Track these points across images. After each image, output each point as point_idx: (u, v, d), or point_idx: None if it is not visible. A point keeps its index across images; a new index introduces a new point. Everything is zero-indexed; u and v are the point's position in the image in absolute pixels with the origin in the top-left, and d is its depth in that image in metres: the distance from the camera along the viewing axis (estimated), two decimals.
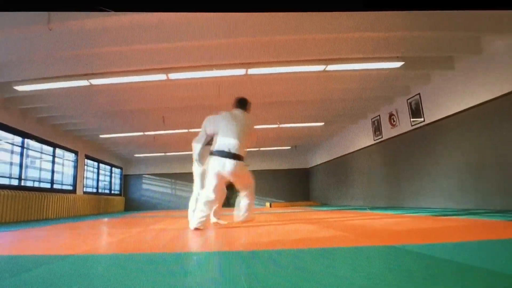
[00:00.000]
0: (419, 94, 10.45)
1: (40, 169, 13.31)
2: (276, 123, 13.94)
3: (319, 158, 21.20)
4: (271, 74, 8.86)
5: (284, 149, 21.51)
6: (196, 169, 6.45)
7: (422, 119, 10.36)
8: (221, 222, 6.28)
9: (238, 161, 5.51)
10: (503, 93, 7.51)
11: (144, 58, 7.86)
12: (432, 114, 9.96)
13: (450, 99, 9.16)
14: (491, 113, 7.88)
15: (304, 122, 14.48)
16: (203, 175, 6.05)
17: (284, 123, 14.04)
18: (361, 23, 6.93)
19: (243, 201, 6.04)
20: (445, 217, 6.55)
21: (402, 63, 8.51)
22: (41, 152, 13.43)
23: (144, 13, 6.18)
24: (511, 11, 6.73)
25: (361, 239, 3.68)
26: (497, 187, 7.80)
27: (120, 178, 23.13)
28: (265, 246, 3.47)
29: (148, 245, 3.92)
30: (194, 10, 3.27)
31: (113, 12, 3.36)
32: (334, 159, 18.46)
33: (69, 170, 15.81)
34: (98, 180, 19.34)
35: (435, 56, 8.83)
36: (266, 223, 6.56)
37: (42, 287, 2.06)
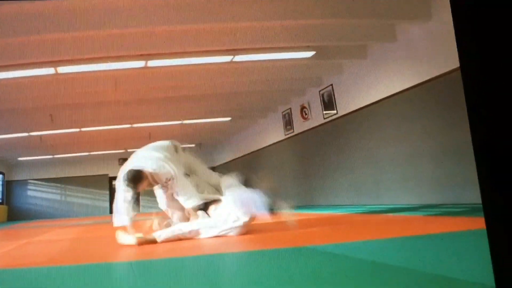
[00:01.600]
0: (331, 85, 10.56)
1: None
2: (179, 120, 13.83)
3: (226, 155, 21.16)
4: (173, 66, 8.69)
5: (188, 147, 21.40)
6: None
7: (335, 111, 10.49)
8: None
9: None
10: (419, 82, 7.70)
11: (29, 50, 7.44)
12: (345, 105, 10.08)
13: (363, 89, 9.32)
14: (405, 102, 8.07)
15: (210, 118, 14.38)
16: None
17: (187, 119, 13.91)
18: (269, 10, 6.94)
19: None
20: (359, 214, 6.76)
21: (314, 52, 8.52)
22: None
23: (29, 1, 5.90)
24: None
25: (271, 241, 3.71)
26: (413, 181, 8.01)
27: (2, 185, 21.92)
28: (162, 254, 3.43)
29: (32, 258, 3.77)
30: None
31: None
32: (242, 156, 18.46)
33: None
34: None
35: (347, 45, 8.94)
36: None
37: None
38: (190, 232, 4.56)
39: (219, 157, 22.51)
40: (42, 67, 8.02)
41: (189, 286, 2.27)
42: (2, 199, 21.68)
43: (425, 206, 7.29)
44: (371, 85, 9.07)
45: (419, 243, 3.24)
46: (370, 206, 8.49)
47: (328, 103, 10.73)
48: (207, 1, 6.65)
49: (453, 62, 6.92)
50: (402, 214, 6.04)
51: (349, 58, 9.41)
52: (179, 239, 4.47)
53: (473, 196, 6.69)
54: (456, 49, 2.28)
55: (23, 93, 9.65)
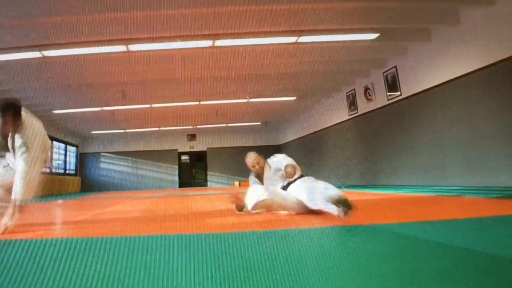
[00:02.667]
0: (395, 66, 10.58)
1: None
2: (245, 98, 13.94)
3: (291, 134, 21.30)
4: (240, 46, 8.83)
5: (254, 125, 21.48)
6: None
7: (399, 93, 10.50)
8: None
9: None
10: (481, 66, 7.65)
11: (103, 28, 7.72)
12: (409, 87, 10.11)
13: (427, 72, 9.30)
14: (470, 86, 8.03)
15: (275, 97, 14.51)
16: None
17: (253, 98, 14.03)
18: None
19: None
20: (425, 194, 6.68)
21: (378, 34, 8.60)
22: None
23: None
24: None
25: (336, 219, 3.74)
26: (478, 163, 7.96)
27: (76, 157, 22.68)
28: (230, 228, 3.52)
29: (103, 229, 3.92)
30: None
31: None
32: (307, 135, 18.57)
33: None
34: (51, 159, 19.00)
35: (411, 28, 8.94)
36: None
37: None
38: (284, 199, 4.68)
39: (283, 135, 22.57)
40: (114, 44, 8.28)
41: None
42: (76, 170, 22.42)
43: (490, 188, 7.20)
44: (435, 68, 9.05)
45: (485, 224, 3.24)
46: (435, 187, 8.39)
47: (392, 84, 10.73)
48: None
49: None
50: (468, 196, 5.94)
51: (413, 41, 9.41)
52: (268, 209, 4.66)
53: None
54: None
55: (97, 68, 10.05)
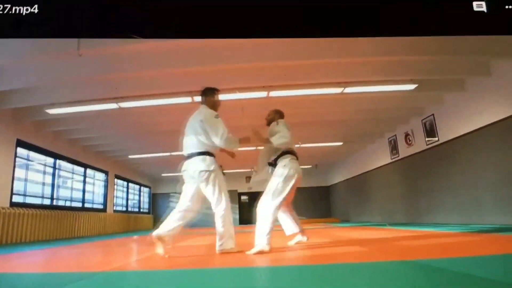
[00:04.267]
0: (433, 114, 10.48)
1: (72, 189, 13.46)
2: (297, 143, 13.92)
3: (338, 176, 21.16)
4: (291, 96, 8.89)
5: (305, 168, 21.44)
6: None
7: (437, 138, 10.38)
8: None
9: (190, 160, 4.83)
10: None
11: (171, 82, 7.96)
12: (446, 133, 9.97)
13: (462, 119, 9.19)
14: (502, 131, 7.89)
15: (324, 142, 14.52)
16: None
17: (305, 143, 14.01)
18: (376, 47, 6.96)
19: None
20: (463, 231, 6.46)
21: (416, 85, 8.53)
22: (73, 172, 13.58)
23: (171, 39, 6.26)
24: None
25: (382, 254, 3.64)
26: (511, 202, 7.76)
27: (149, 197, 23.20)
28: (290, 261, 3.46)
29: (175, 261, 3.93)
30: (220, 37, 3.33)
31: (141, 39, 3.42)
32: (353, 177, 18.42)
33: (99, 190, 15.96)
34: (127, 199, 19.45)
35: (447, 79, 8.86)
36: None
37: None
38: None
39: (332, 177, 22.44)
40: (181, 96, 8.45)
41: None
42: (149, 209, 22.82)
43: None
44: (469, 115, 8.95)
45: None
46: (472, 226, 8.13)
47: (430, 130, 10.58)
48: (326, 40, 6.77)
49: None
50: (502, 234, 5.71)
51: (448, 90, 9.31)
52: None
53: None
54: None
55: (166, 118, 10.26)
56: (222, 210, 4.68)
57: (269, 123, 5.69)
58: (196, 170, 4.75)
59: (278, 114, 5.80)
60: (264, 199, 4.81)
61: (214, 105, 5.13)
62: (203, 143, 4.76)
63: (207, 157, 4.75)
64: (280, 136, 5.13)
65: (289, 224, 5.44)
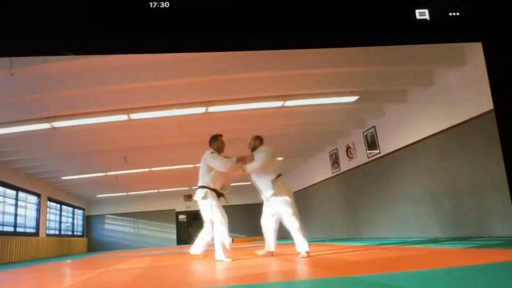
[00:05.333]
0: (374, 126, 10.54)
1: (4, 213, 12.87)
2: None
3: None
4: (231, 111, 8.85)
5: (243, 185, 21.40)
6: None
7: (378, 151, 10.45)
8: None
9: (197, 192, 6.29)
10: (454, 124, 7.64)
11: (106, 99, 7.73)
12: (387, 145, 10.05)
13: (404, 130, 9.26)
14: (443, 143, 7.98)
15: None
16: None
17: None
18: (316, 59, 6.98)
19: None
20: (404, 246, 6.58)
21: (357, 97, 8.56)
22: (4, 196, 13.01)
23: (105, 55, 6.09)
24: (460, 44, 6.95)
25: (322, 270, 3.62)
26: (453, 215, 7.87)
27: (83, 219, 22.34)
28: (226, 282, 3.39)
29: (110, 285, 3.80)
30: (153, 52, 3.22)
31: (74, 56, 3.28)
32: (294, 193, 18.26)
33: (32, 213, 15.33)
34: (60, 222, 18.77)
35: (388, 90, 8.94)
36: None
37: None
38: None
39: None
40: (116, 114, 8.27)
41: None
42: (83, 232, 22.16)
43: (462, 238, 7.19)
44: (411, 127, 9.03)
45: (464, 273, 3.07)
46: (413, 239, 8.30)
47: (372, 143, 10.69)
48: (264, 53, 6.77)
49: (487, 104, 6.81)
50: (441, 247, 5.85)
51: (390, 102, 9.40)
52: None
53: (504, 229, 6.53)
54: (490, 92, 2.21)
55: (100, 137, 9.99)
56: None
57: (252, 150, 6.75)
58: (197, 199, 6.33)
59: (258, 140, 6.86)
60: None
61: (219, 148, 6.67)
62: (202, 179, 6.39)
63: (203, 190, 6.26)
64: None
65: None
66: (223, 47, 3.26)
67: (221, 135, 6.82)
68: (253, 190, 20.52)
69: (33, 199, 15.48)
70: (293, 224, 6.13)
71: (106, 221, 22.82)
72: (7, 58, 5.88)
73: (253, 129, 10.43)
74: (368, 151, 11.01)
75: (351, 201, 12.46)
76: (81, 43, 3.09)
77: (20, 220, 14.06)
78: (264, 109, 8.96)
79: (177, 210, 22.65)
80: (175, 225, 22.69)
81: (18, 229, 13.82)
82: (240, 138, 11.24)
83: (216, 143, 6.71)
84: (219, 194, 6.57)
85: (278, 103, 8.49)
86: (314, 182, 15.49)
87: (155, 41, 3.09)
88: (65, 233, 19.48)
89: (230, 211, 20.09)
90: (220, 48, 3.29)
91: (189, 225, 23.34)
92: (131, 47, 3.22)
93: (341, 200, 13.24)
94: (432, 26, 3.05)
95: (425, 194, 8.69)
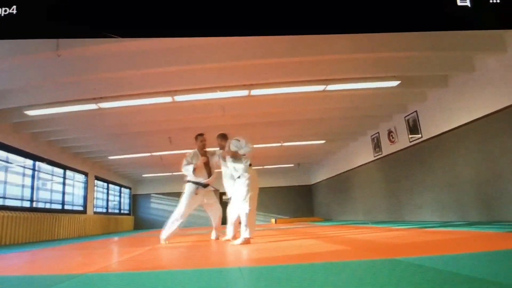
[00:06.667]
0: (416, 111, 10.48)
1: (52, 191, 13.32)
2: (279, 142, 13.92)
3: (321, 175, 21.14)
4: (273, 94, 8.88)
5: (287, 167, 21.47)
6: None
7: (420, 135, 10.38)
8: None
9: None
10: (496, 109, 7.52)
11: (151, 81, 7.88)
12: (429, 130, 9.99)
13: (445, 115, 9.19)
14: (485, 128, 7.89)
15: (306, 140, 14.46)
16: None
17: (286, 142, 14.01)
18: (358, 44, 6.96)
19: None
20: (445, 229, 6.48)
21: (399, 82, 8.51)
22: (52, 174, 13.43)
23: (150, 38, 6.20)
24: (500, 31, 6.76)
25: (365, 252, 3.62)
26: (495, 199, 7.75)
27: (129, 198, 23.04)
28: (270, 261, 3.42)
29: (156, 263, 3.88)
30: (198, 35, 3.27)
31: (120, 39, 3.36)
32: (336, 175, 18.40)
33: (79, 191, 15.82)
34: (107, 201, 19.31)
35: (430, 75, 8.85)
36: (271, 238, 6.54)
37: None
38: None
39: (315, 176, 22.42)
40: (161, 96, 8.39)
41: None
42: (130, 210, 22.66)
43: (505, 222, 7.00)
44: (452, 112, 8.93)
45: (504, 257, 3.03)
46: (453, 222, 8.18)
47: (413, 127, 10.59)
48: (308, 37, 6.76)
49: None
50: (484, 231, 5.73)
51: (432, 87, 9.30)
52: None
53: None
54: None
55: (147, 118, 10.18)
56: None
57: (221, 147, 6.89)
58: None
59: (224, 138, 6.88)
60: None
61: (199, 147, 7.43)
62: None
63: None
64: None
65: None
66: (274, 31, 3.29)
67: (202, 134, 7.40)
68: (295, 172, 20.47)
69: (80, 177, 16.00)
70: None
71: (151, 200, 23.27)
72: (54, 40, 6.08)
73: (294, 112, 10.46)
74: (410, 136, 10.93)
75: (392, 184, 12.43)
76: (129, 26, 3.18)
77: (68, 198, 14.56)
78: (306, 92, 8.91)
79: (221, 190, 22.84)
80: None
81: (66, 207, 14.32)
82: (282, 121, 11.29)
83: (197, 142, 7.36)
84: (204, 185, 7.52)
85: (320, 87, 8.47)
86: (356, 166, 15.52)
87: (202, 26, 3.16)
88: (112, 211, 20.03)
89: (272, 192, 20.24)
90: (269, 32, 3.33)
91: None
92: (176, 31, 3.29)
93: (383, 183, 13.20)
94: (473, 12, 3.00)
95: (466, 178, 8.63)
